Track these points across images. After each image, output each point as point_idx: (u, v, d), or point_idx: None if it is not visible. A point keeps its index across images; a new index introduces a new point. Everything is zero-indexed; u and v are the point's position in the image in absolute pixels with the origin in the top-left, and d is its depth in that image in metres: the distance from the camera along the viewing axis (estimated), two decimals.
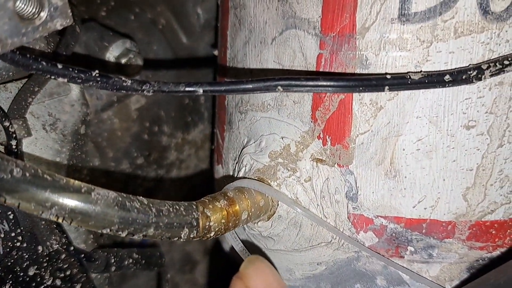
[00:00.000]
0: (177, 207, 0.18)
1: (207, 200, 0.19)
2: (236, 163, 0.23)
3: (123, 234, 0.16)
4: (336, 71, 0.19)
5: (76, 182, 0.15)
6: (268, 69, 0.21)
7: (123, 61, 0.28)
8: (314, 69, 0.20)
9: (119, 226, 0.16)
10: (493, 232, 0.20)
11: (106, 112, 0.29)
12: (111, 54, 0.27)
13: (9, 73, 0.21)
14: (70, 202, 0.15)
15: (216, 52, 0.28)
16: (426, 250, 0.20)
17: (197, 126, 0.36)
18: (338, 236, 0.21)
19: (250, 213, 0.20)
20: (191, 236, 0.19)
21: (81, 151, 0.26)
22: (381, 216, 0.20)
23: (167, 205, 0.18)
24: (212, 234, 0.19)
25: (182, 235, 0.18)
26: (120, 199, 0.16)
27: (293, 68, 0.20)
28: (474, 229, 0.20)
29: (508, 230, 0.20)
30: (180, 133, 0.34)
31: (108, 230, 0.16)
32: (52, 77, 0.16)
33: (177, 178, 0.36)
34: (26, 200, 0.14)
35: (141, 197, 0.17)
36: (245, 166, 0.22)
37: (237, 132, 0.24)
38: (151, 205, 0.17)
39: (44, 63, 0.16)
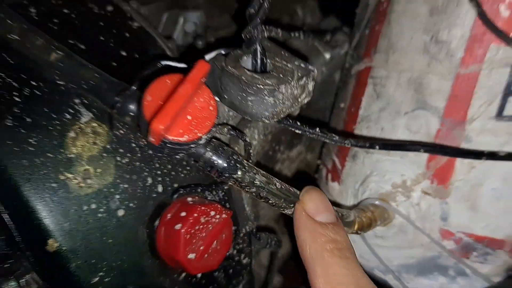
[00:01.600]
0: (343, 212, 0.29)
1: (361, 209, 0.31)
2: (360, 186, 0.35)
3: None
4: (447, 143, 0.31)
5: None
6: (399, 133, 0.32)
7: None
8: (433, 139, 0.31)
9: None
10: None
11: None
12: None
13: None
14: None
15: None
16: (484, 256, 0.32)
17: (296, 147, 0.47)
18: (431, 240, 0.32)
19: (379, 220, 0.32)
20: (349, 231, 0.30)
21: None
22: (460, 232, 0.32)
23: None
24: (358, 229, 0.30)
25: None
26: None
27: (418, 134, 0.32)
28: None
29: None
30: (287, 151, 0.45)
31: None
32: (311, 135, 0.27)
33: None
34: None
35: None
36: (370, 190, 0.34)
37: (361, 165, 0.35)
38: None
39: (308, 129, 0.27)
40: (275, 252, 0.41)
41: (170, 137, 0.21)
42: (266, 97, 0.24)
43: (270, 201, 0.26)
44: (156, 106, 0.21)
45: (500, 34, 0.26)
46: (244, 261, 0.34)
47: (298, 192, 0.27)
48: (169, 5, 0.38)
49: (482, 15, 0.26)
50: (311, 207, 0.27)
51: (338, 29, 0.41)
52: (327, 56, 0.40)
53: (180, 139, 0.22)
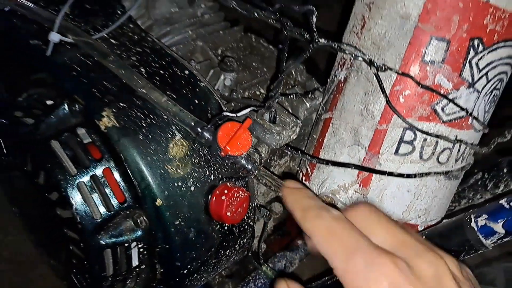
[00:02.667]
0: None
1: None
2: (321, 185, 0.58)
3: None
4: (368, 165, 0.54)
5: None
6: (343, 157, 0.56)
7: None
8: (361, 162, 0.55)
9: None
10: None
11: None
12: None
13: None
14: None
15: None
16: None
17: (284, 157, 0.70)
18: None
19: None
20: None
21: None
22: None
23: None
24: None
25: None
26: None
27: (353, 159, 0.55)
28: None
29: None
30: (278, 160, 0.68)
31: None
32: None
33: None
34: None
35: None
36: (326, 187, 0.57)
37: (322, 173, 0.58)
38: None
39: (294, 151, 0.51)
40: (266, 222, 0.64)
41: (232, 154, 0.44)
42: (275, 136, 0.48)
43: (277, 193, 0.50)
44: (224, 138, 0.45)
45: (397, 113, 0.50)
46: (251, 223, 0.58)
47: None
48: (214, 65, 0.62)
49: (388, 102, 0.50)
50: (290, 184, 0.42)
51: (316, 88, 0.65)
52: (308, 104, 0.63)
53: (235, 154, 0.45)
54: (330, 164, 0.53)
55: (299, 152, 0.53)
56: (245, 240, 0.59)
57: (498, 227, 0.44)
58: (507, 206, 0.44)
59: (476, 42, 0.48)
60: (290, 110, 0.62)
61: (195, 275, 0.54)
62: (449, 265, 0.33)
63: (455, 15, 0.48)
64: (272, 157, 0.65)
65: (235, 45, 0.71)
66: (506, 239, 0.45)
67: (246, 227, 0.58)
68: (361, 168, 0.53)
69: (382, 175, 0.53)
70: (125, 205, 0.48)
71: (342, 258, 0.33)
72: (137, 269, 0.52)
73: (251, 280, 0.72)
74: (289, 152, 0.51)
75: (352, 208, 0.37)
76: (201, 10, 0.69)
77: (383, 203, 0.54)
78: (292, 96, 0.59)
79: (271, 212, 0.63)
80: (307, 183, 0.61)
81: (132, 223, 0.49)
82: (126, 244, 0.49)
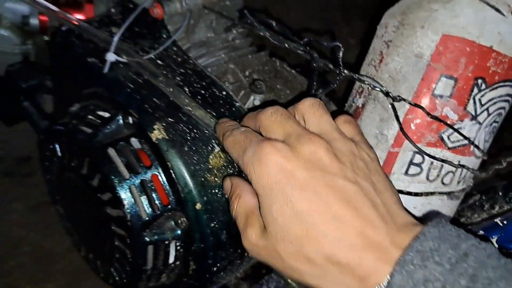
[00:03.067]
0: None
1: None
2: None
3: None
4: None
5: None
6: None
7: None
8: None
9: None
10: None
11: None
12: None
13: None
14: None
15: None
16: None
17: None
18: None
19: None
20: None
21: None
22: None
23: None
24: None
25: None
26: None
27: None
28: None
29: None
30: None
31: None
32: None
33: None
34: None
35: None
36: None
37: None
38: None
39: None
40: None
41: None
42: None
43: None
44: None
45: (408, 139, 0.57)
46: None
47: None
48: (244, 87, 0.69)
49: (401, 129, 0.57)
50: (221, 120, 0.52)
51: (334, 111, 0.72)
52: None
53: None
54: None
55: None
56: None
57: (493, 242, 0.51)
58: (501, 224, 0.51)
59: (479, 81, 0.56)
60: None
61: (222, 273, 0.60)
62: (332, 143, 0.40)
63: (463, 57, 0.55)
64: None
65: (261, 68, 0.78)
66: None
67: None
68: None
69: None
70: (169, 207, 0.55)
71: (240, 156, 0.42)
72: (172, 265, 0.58)
73: (265, 283, 0.78)
74: None
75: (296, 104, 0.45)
76: (233, 35, 0.76)
77: None
78: None
79: None
80: None
81: (173, 223, 0.55)
82: (166, 242, 0.55)
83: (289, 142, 0.39)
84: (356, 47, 2.01)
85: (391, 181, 0.60)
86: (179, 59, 0.64)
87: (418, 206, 0.60)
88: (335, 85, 0.55)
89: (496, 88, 0.57)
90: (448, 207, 0.62)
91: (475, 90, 0.56)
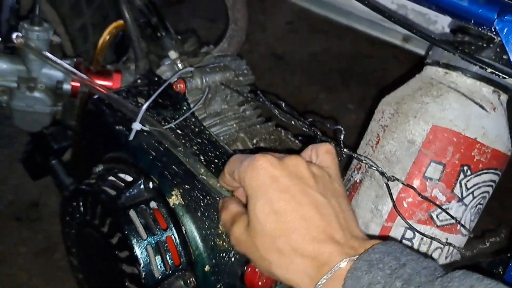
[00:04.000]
0: None
1: None
2: None
3: None
4: None
5: None
6: None
7: None
8: None
9: None
10: None
11: None
12: None
13: None
14: None
15: None
16: None
17: None
18: None
19: None
20: None
21: None
22: None
23: None
24: None
25: None
26: None
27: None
28: None
29: None
30: None
31: None
32: None
33: None
34: None
35: None
36: None
37: None
38: None
39: None
40: None
41: None
42: None
43: None
44: None
45: (401, 216, 0.63)
46: None
47: None
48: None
49: (395, 206, 0.63)
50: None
51: None
52: None
53: None
54: None
55: None
56: None
57: None
58: None
59: (465, 168, 0.62)
60: None
61: None
62: (312, 166, 0.48)
63: (450, 146, 0.62)
64: None
65: (268, 137, 0.85)
66: None
67: None
68: None
69: None
70: (180, 267, 0.59)
71: (237, 166, 0.49)
72: None
73: None
74: None
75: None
76: (244, 107, 0.84)
77: None
78: None
79: None
80: None
81: (183, 282, 0.60)
82: None
83: (277, 157, 0.48)
84: (355, 112, 2.11)
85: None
86: (197, 129, 0.71)
87: None
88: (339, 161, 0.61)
89: (480, 174, 0.63)
90: None
91: (461, 176, 0.62)
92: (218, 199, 0.61)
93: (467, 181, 0.63)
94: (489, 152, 0.62)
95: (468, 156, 0.62)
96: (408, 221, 0.63)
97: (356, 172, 0.71)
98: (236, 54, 0.95)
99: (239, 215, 0.50)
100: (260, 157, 0.47)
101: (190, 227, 0.58)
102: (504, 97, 0.66)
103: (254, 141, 0.83)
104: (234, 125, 0.80)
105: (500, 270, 0.67)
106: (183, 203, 0.59)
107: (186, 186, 0.61)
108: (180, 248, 0.59)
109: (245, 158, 0.48)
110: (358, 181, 0.69)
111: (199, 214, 0.59)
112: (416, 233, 0.64)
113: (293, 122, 0.70)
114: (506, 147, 0.63)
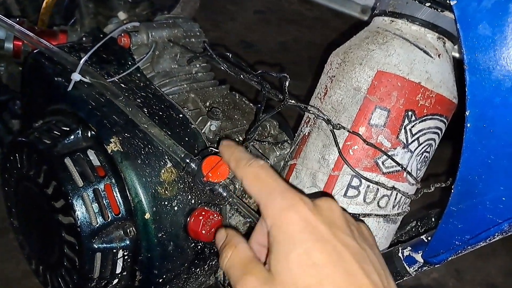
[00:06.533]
0: None
1: None
2: None
3: None
4: None
5: None
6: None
7: None
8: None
9: None
10: None
11: None
12: None
13: None
14: None
15: None
16: None
17: None
18: None
19: None
20: None
21: None
22: None
23: None
24: None
25: None
26: None
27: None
28: None
29: None
30: (249, 198, 0.78)
31: None
32: None
33: None
34: None
35: None
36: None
37: None
38: None
39: None
40: None
41: (211, 180, 0.55)
42: None
43: (247, 219, 0.60)
44: (208, 167, 0.55)
45: (347, 162, 0.62)
46: None
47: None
48: (202, 114, 0.73)
49: (340, 153, 0.62)
50: (227, 142, 0.52)
51: (285, 140, 0.77)
52: (278, 153, 0.75)
53: (214, 181, 0.55)
54: None
55: None
56: (213, 263, 0.68)
57: (419, 257, 0.55)
58: (425, 240, 0.55)
59: (410, 113, 0.61)
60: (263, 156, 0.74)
61: (167, 286, 0.61)
62: (341, 209, 0.43)
63: (395, 91, 0.61)
64: (244, 195, 0.75)
65: (221, 100, 0.83)
66: (425, 268, 0.55)
67: (215, 249, 0.66)
68: None
69: None
70: (119, 216, 0.57)
71: (264, 197, 0.41)
72: (119, 275, 0.59)
73: None
74: None
75: None
76: (196, 68, 0.82)
77: None
78: (265, 144, 0.71)
79: None
80: None
81: (122, 232, 0.57)
82: (114, 250, 0.57)
83: (312, 198, 0.42)
84: None
85: None
86: (142, 84, 0.68)
87: None
88: (278, 110, 0.60)
89: (425, 120, 0.62)
90: (384, 229, 0.66)
91: (406, 121, 0.62)
92: (160, 148, 0.60)
93: (412, 126, 0.62)
94: (433, 97, 0.62)
95: (412, 101, 0.61)
96: (354, 168, 0.62)
97: (305, 125, 0.69)
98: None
99: (252, 261, 0.41)
100: (295, 196, 0.40)
101: (130, 174, 0.56)
102: (449, 45, 0.65)
103: (207, 103, 0.81)
104: (185, 85, 0.78)
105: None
106: (122, 150, 0.57)
107: (126, 134, 0.58)
108: (119, 196, 0.57)
109: (274, 190, 0.41)
110: (306, 133, 0.68)
111: (139, 162, 0.57)
112: (362, 180, 0.63)
113: (241, 76, 0.69)
114: (451, 93, 0.63)
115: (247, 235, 0.46)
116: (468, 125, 0.47)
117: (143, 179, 0.56)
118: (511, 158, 0.46)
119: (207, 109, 0.79)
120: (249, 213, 0.58)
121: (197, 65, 0.82)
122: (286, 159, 0.72)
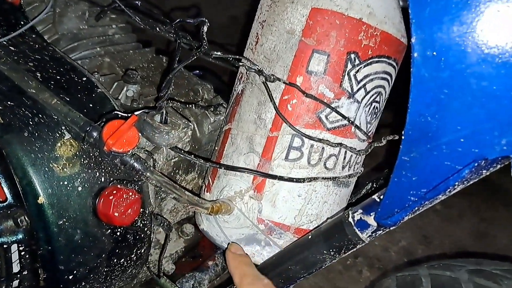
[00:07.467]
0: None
1: (216, 202, 0.54)
2: (219, 193, 0.58)
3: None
4: (262, 170, 0.56)
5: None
6: (240, 164, 0.57)
7: None
8: (256, 168, 0.56)
9: None
10: None
11: None
12: None
13: None
14: None
15: None
16: (279, 234, 0.57)
17: (191, 173, 0.70)
18: (252, 224, 0.56)
19: (224, 209, 0.55)
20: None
21: None
22: (267, 219, 0.57)
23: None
24: (212, 211, 0.54)
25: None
26: None
27: (249, 165, 0.57)
28: None
29: None
30: (184, 175, 0.68)
31: None
32: None
33: None
34: None
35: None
36: (224, 194, 0.58)
37: (221, 182, 0.59)
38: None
39: (193, 157, 0.51)
40: (168, 234, 0.63)
41: (115, 149, 0.44)
42: (164, 135, 0.49)
43: (171, 195, 0.50)
44: (109, 134, 0.45)
45: (284, 119, 0.53)
46: (147, 231, 0.57)
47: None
48: (118, 79, 0.62)
49: (276, 109, 0.53)
50: (233, 248, 0.55)
51: (220, 104, 0.67)
52: (212, 119, 0.65)
53: (119, 150, 0.45)
54: (223, 168, 0.54)
55: (201, 159, 0.54)
56: (142, 250, 0.58)
57: (371, 220, 0.46)
58: (378, 200, 0.47)
59: (352, 56, 0.53)
60: (195, 124, 0.64)
61: (83, 283, 0.51)
62: None
63: (333, 30, 0.52)
64: (177, 171, 0.65)
65: (146, 64, 0.72)
66: (379, 232, 0.47)
67: (142, 235, 0.56)
68: (255, 173, 0.55)
69: (274, 180, 0.55)
70: (6, 203, 0.46)
71: None
72: (19, 276, 0.49)
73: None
74: (187, 158, 0.52)
75: None
76: (112, 30, 0.70)
77: (276, 208, 0.56)
78: (198, 109, 0.61)
79: (182, 233, 0.62)
80: (208, 193, 0.61)
81: (13, 223, 0.46)
82: (5, 246, 0.46)
83: None
84: None
85: (272, 168, 0.55)
86: (37, 46, 0.57)
87: (303, 194, 0.55)
88: (193, 58, 0.50)
89: (371, 63, 0.54)
90: (335, 194, 0.58)
91: (349, 66, 0.53)
92: (54, 117, 0.49)
93: (356, 71, 0.53)
94: (378, 35, 0.53)
95: (354, 41, 0.52)
96: (294, 126, 0.53)
97: (238, 83, 0.60)
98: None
99: None
100: None
101: (13, 150, 0.45)
102: None
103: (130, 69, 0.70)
104: (98, 48, 0.67)
105: None
106: (1, 121, 0.45)
107: (8, 102, 0.47)
108: (4, 179, 0.46)
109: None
110: (240, 92, 0.59)
111: (26, 135, 0.46)
112: (305, 139, 0.54)
113: (157, 29, 0.58)
114: (398, 31, 0.54)
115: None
116: (415, 54, 0.38)
117: (32, 155, 0.45)
118: (467, 91, 0.38)
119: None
120: (173, 188, 0.48)
121: (113, 26, 0.71)
122: (223, 124, 0.63)
